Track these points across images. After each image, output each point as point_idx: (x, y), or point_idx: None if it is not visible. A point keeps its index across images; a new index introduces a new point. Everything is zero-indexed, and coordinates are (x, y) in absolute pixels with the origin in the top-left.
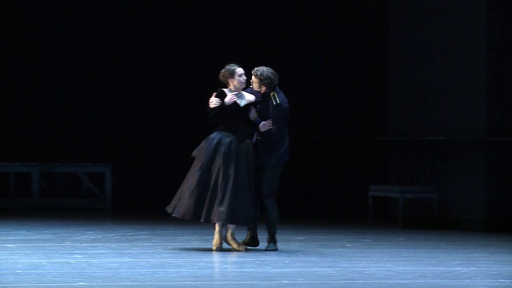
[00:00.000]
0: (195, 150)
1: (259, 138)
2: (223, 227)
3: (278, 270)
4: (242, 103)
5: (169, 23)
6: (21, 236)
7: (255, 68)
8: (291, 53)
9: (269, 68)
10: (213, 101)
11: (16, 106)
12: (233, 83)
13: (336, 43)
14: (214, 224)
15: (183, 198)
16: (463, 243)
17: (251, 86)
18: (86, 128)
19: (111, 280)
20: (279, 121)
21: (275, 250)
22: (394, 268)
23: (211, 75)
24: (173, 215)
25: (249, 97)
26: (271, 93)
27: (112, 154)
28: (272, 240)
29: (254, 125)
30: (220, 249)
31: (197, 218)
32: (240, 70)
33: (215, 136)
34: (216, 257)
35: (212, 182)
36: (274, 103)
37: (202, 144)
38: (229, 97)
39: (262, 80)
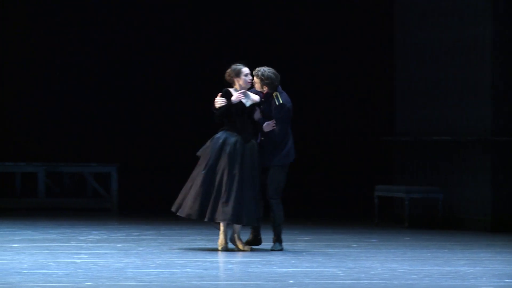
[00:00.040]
0: (200, 149)
1: (262, 138)
2: (228, 227)
3: (284, 270)
4: (247, 103)
5: (169, 23)
6: (27, 236)
7: (257, 69)
8: (295, 53)
9: (270, 68)
10: (219, 101)
11: (22, 106)
12: (239, 82)
13: (341, 43)
14: (218, 223)
15: (188, 198)
16: (469, 243)
17: (253, 87)
18: (92, 128)
19: (117, 280)
20: (282, 121)
21: (281, 250)
22: (399, 268)
23: (211, 75)
24: (177, 214)
25: (254, 97)
26: (274, 93)
27: (118, 154)
28: (277, 240)
29: (258, 125)
30: (225, 249)
31: (202, 218)
32: (246, 70)
33: (220, 135)
34: (221, 257)
35: (217, 182)
36: (277, 103)
37: (208, 143)
38: (236, 95)
39: (263, 80)
